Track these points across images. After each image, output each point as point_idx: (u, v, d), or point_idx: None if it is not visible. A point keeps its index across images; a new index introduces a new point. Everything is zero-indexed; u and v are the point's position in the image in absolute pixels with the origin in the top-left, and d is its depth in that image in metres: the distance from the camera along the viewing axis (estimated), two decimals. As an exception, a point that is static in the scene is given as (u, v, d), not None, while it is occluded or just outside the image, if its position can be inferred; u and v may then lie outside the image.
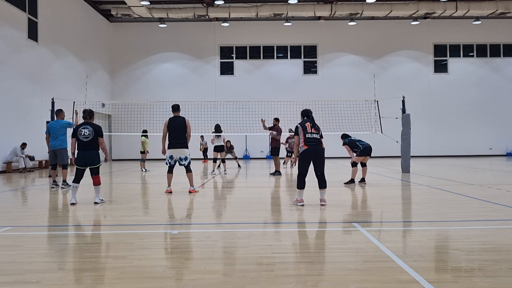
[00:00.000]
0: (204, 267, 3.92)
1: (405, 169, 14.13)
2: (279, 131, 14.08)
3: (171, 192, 9.30)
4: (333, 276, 3.64)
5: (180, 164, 9.26)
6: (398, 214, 6.76)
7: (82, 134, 7.62)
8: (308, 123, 7.38)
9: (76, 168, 7.83)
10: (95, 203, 7.79)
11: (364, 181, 10.92)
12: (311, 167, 7.38)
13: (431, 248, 4.57)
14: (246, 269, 3.83)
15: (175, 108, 9.39)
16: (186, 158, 9.22)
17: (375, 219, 6.39)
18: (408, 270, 3.72)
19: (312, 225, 5.91)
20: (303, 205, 7.30)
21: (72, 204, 7.64)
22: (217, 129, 14.92)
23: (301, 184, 7.31)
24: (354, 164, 10.89)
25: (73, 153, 7.79)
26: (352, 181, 10.75)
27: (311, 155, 7.21)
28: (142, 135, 16.86)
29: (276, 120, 14.39)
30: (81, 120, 8.53)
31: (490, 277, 3.55)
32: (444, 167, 17.44)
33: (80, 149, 7.69)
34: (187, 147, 9.23)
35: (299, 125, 7.36)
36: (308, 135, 7.23)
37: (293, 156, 17.29)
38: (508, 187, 9.83)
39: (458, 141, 27.43)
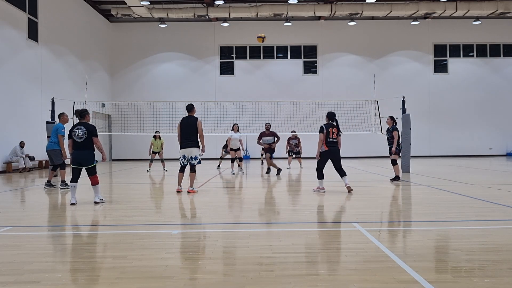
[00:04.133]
0: (204, 267, 3.92)
1: (405, 169, 14.12)
2: (277, 136, 13.81)
3: (181, 191, 9.26)
4: (333, 276, 3.64)
5: (190, 164, 9.27)
6: (398, 214, 6.77)
7: (76, 134, 7.71)
8: (331, 128, 8.90)
9: (72, 168, 7.89)
10: (95, 202, 7.79)
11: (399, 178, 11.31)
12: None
13: (431, 248, 4.57)
14: (246, 269, 3.82)
15: (188, 108, 9.44)
16: (196, 158, 9.24)
17: (375, 219, 6.39)
18: (408, 270, 3.72)
19: (312, 225, 5.90)
20: (324, 191, 8.95)
21: (72, 204, 7.64)
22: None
23: (320, 176, 9.02)
24: (395, 162, 11.22)
25: (71, 154, 7.87)
26: (398, 178, 11.13)
27: (330, 155, 8.96)
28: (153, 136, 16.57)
29: (269, 125, 14.11)
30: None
31: (490, 277, 3.55)
32: (444, 167, 17.44)
33: (74, 149, 7.77)
34: (198, 147, 9.28)
35: (324, 127, 8.90)
36: (329, 139, 8.87)
37: (293, 156, 17.30)
38: (508, 187, 9.83)
39: (458, 141, 27.42)
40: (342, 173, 9.03)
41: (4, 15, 16.43)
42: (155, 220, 6.44)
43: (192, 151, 9.20)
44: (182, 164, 9.31)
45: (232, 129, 15.00)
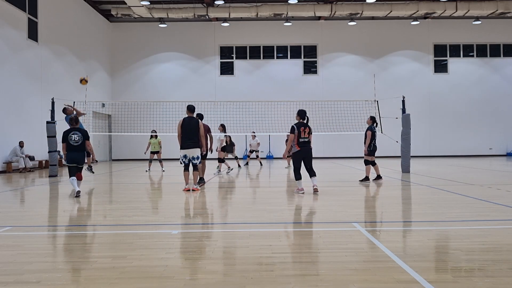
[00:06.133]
0: (204, 267, 3.92)
1: (405, 169, 14.13)
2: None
3: (189, 190, 9.39)
4: (333, 276, 3.64)
5: (192, 163, 9.54)
6: (398, 214, 6.77)
7: (73, 139, 8.79)
8: (302, 127, 8.76)
9: (68, 166, 8.92)
10: (78, 192, 8.66)
11: (381, 177, 11.29)
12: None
13: (431, 248, 4.57)
14: (246, 269, 3.82)
15: (191, 109, 9.64)
16: (198, 158, 9.56)
17: (375, 219, 6.39)
18: (408, 270, 3.72)
19: (312, 225, 5.90)
20: (303, 192, 8.77)
21: (78, 192, 8.58)
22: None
23: (298, 176, 8.88)
24: (367, 163, 11.22)
25: (65, 154, 8.93)
26: (367, 178, 11.16)
27: (302, 154, 8.82)
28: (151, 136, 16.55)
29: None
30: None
31: (490, 277, 3.55)
32: (444, 167, 17.44)
33: (70, 150, 8.83)
34: (199, 147, 9.56)
35: (295, 127, 8.75)
36: (300, 139, 8.73)
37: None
38: (508, 187, 9.83)
39: (458, 141, 27.42)
40: (312, 173, 8.90)
41: (4, 15, 16.42)
42: (155, 220, 6.44)
43: (194, 152, 9.45)
44: (184, 163, 9.52)
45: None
